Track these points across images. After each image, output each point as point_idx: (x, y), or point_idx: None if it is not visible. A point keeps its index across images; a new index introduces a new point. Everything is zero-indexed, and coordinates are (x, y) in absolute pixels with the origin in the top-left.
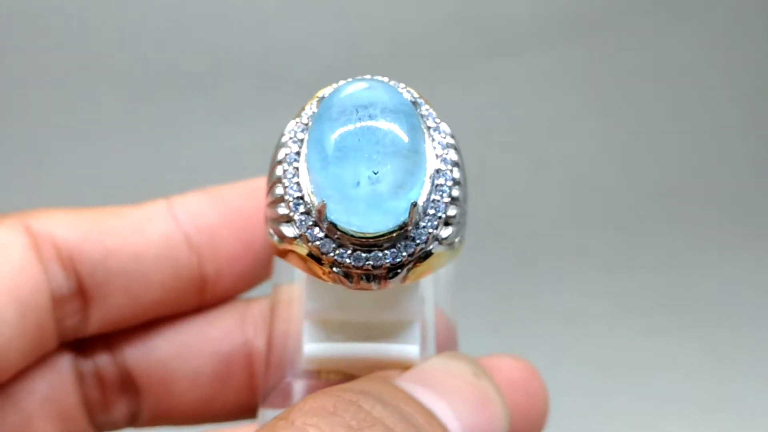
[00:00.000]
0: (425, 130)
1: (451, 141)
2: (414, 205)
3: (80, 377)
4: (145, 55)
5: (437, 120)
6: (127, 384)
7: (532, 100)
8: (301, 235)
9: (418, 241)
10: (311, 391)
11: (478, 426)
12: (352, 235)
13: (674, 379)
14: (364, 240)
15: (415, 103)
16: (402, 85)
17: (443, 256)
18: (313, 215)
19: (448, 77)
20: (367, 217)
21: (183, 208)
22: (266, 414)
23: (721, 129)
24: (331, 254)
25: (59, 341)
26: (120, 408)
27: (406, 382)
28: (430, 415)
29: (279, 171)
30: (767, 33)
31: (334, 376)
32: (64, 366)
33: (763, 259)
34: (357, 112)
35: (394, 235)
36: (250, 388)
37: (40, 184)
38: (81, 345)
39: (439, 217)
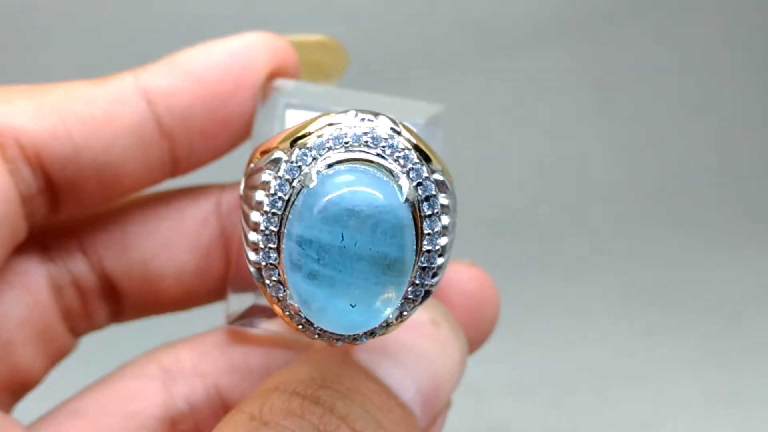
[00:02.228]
0: (419, 220)
1: (444, 202)
2: (388, 318)
3: (58, 291)
4: (145, 55)
5: (433, 190)
6: (108, 290)
7: (532, 100)
8: (271, 297)
9: (390, 326)
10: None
11: (436, 383)
12: (326, 331)
13: (674, 379)
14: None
15: (410, 201)
16: (402, 141)
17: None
18: (285, 296)
19: (449, 77)
20: (344, 328)
21: (153, 85)
22: (231, 300)
23: (721, 129)
24: (299, 326)
25: (28, 233)
26: (101, 313)
27: (364, 353)
28: (387, 395)
29: (255, 217)
30: (767, 33)
31: None
32: (40, 284)
33: (764, 259)
34: (341, 229)
35: (368, 332)
36: (227, 275)
37: None
38: (53, 252)
39: (426, 287)
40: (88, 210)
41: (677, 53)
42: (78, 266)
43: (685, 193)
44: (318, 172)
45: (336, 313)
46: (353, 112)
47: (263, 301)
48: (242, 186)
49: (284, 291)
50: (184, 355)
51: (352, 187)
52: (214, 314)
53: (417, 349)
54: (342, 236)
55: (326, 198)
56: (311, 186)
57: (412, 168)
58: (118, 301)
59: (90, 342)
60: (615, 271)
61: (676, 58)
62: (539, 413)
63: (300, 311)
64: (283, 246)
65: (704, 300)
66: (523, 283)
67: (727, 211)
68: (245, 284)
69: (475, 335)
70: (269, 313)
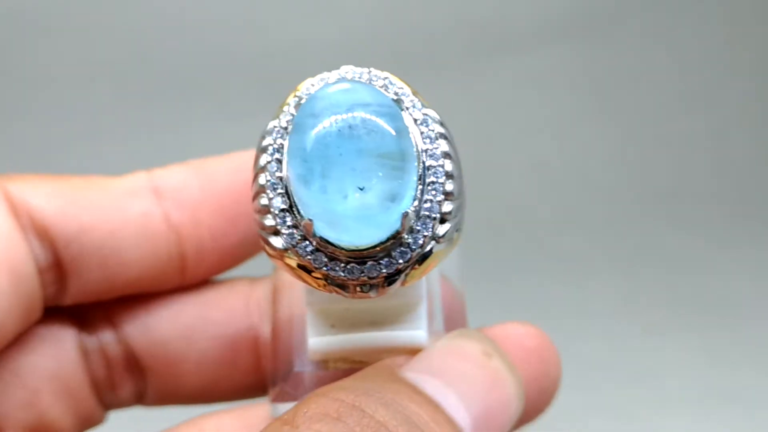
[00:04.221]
0: (411, 125)
1: (441, 130)
2: (405, 214)
3: (85, 354)
4: (145, 55)
5: (425, 111)
6: (132, 364)
7: (532, 100)
8: (290, 249)
9: (414, 246)
10: (319, 380)
11: (488, 411)
12: (344, 249)
13: (674, 379)
14: (357, 252)
15: (398, 101)
16: (383, 74)
17: (441, 253)
18: (301, 229)
19: (449, 77)
20: (358, 232)
21: (165, 182)
22: (277, 408)
23: (721, 129)
24: (324, 268)
25: (43, 311)
26: (126, 387)
27: (412, 372)
28: (436, 410)
29: (262, 179)
30: (767, 33)
31: (342, 364)
32: (69, 342)
33: (764, 259)
34: (336, 119)
35: (388, 244)
36: (257, 370)
37: None
38: (84, 322)
39: (434, 218)
40: (96, 299)
41: (677, 53)
42: (105, 336)
43: (685, 193)
44: (308, 93)
45: (349, 209)
46: (334, 70)
47: (303, 367)
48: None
49: (300, 233)
50: (226, 424)
51: (345, 93)
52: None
53: (467, 374)
54: (343, 129)
55: (320, 101)
56: (303, 101)
57: (396, 93)
58: (142, 376)
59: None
60: (615, 271)
61: (676, 58)
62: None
63: (313, 231)
64: (288, 177)
65: (704, 300)
66: (522, 283)
67: (727, 211)
68: (285, 368)
69: (539, 396)
70: (312, 379)
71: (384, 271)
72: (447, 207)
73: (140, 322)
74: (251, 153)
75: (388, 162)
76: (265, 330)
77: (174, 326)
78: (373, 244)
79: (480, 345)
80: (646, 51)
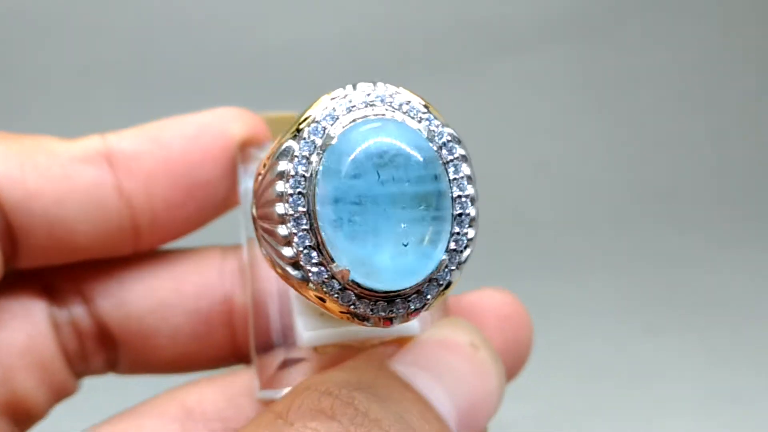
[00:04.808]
0: (445, 163)
1: (462, 152)
2: (443, 261)
3: (57, 327)
4: (145, 55)
5: (441, 130)
6: (105, 336)
7: (532, 100)
8: (316, 285)
9: (442, 282)
10: (310, 369)
11: (474, 404)
12: (377, 291)
13: (674, 379)
14: (388, 293)
15: (430, 138)
16: (394, 90)
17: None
18: (330, 270)
19: (449, 77)
20: (394, 280)
21: (118, 148)
22: (266, 393)
23: (721, 129)
24: (351, 306)
25: (2, 273)
26: (99, 358)
27: (402, 365)
28: (424, 406)
29: (280, 209)
30: (767, 33)
31: (331, 349)
32: (40, 316)
33: (764, 259)
34: (376, 171)
35: (422, 285)
36: (232, 342)
37: None
38: (55, 294)
39: (461, 251)
40: (45, 263)
41: (677, 53)
42: (76, 309)
43: (685, 193)
44: (335, 132)
45: (388, 260)
46: (350, 85)
47: (293, 354)
48: (254, 206)
49: (327, 271)
50: (208, 397)
51: (376, 133)
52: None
53: (455, 368)
54: (378, 175)
55: (352, 147)
56: (332, 143)
57: (422, 119)
58: (113, 349)
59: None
60: (615, 271)
61: (676, 58)
62: (539, 413)
63: (349, 279)
64: (318, 221)
65: (704, 300)
66: (522, 282)
67: (727, 211)
68: (267, 345)
69: (512, 361)
70: (302, 367)
71: (413, 307)
72: (471, 233)
73: (113, 296)
74: (207, 117)
75: (425, 212)
76: (239, 301)
77: (148, 301)
78: (407, 287)
79: (468, 336)
80: (646, 51)
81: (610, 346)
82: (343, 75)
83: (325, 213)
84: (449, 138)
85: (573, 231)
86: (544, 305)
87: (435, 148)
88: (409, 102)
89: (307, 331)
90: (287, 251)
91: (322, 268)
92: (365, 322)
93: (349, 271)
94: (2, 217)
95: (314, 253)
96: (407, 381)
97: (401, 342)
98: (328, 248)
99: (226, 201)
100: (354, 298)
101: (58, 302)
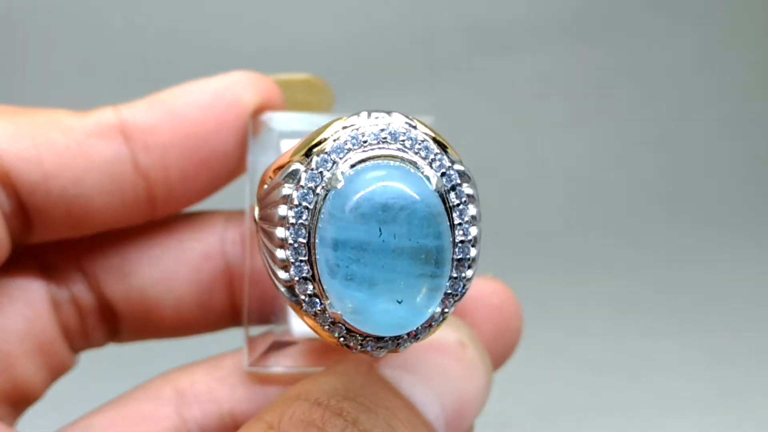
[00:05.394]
0: (448, 211)
1: (470, 192)
2: (433, 315)
3: (57, 307)
4: (145, 54)
5: (457, 179)
6: (106, 311)
7: (532, 100)
8: (307, 313)
9: (434, 324)
10: (298, 350)
11: (462, 404)
12: (370, 334)
13: (674, 379)
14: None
15: (439, 193)
16: (410, 122)
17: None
18: (323, 305)
19: (448, 77)
20: (384, 330)
21: (133, 121)
22: (256, 368)
23: (721, 129)
24: (341, 339)
25: (10, 251)
26: (99, 333)
27: (390, 368)
28: (411, 413)
29: (280, 233)
30: (767, 33)
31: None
32: (39, 298)
33: (763, 259)
34: (378, 226)
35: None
36: (231, 307)
37: None
38: (54, 272)
39: (456, 295)
40: (61, 237)
41: (677, 53)
42: (77, 286)
43: (684, 194)
44: (342, 173)
45: (381, 313)
46: (365, 113)
47: (283, 337)
48: (257, 210)
49: (321, 303)
50: (200, 378)
51: (382, 182)
52: (232, 336)
53: (443, 368)
54: (380, 231)
55: (357, 195)
56: (338, 187)
57: (434, 159)
58: (115, 322)
59: (102, 356)
60: (615, 272)
61: (675, 58)
62: (538, 410)
63: (342, 320)
64: (316, 256)
65: (704, 301)
66: (522, 283)
67: (728, 211)
68: (261, 317)
69: (501, 349)
70: (291, 350)
71: (405, 346)
72: (470, 273)
73: (115, 270)
74: (221, 83)
75: (424, 268)
76: (239, 268)
77: (151, 272)
78: (396, 339)
79: (456, 333)
80: (646, 51)
81: (610, 345)
82: (344, 75)
83: (323, 255)
84: (458, 179)
85: (573, 231)
86: (544, 304)
87: (443, 192)
88: (423, 141)
89: (300, 326)
90: (283, 274)
91: (316, 300)
92: (357, 350)
93: (341, 315)
94: (15, 198)
95: (310, 285)
96: (395, 386)
97: None
98: (325, 291)
99: (237, 169)
100: (345, 331)
101: (57, 281)
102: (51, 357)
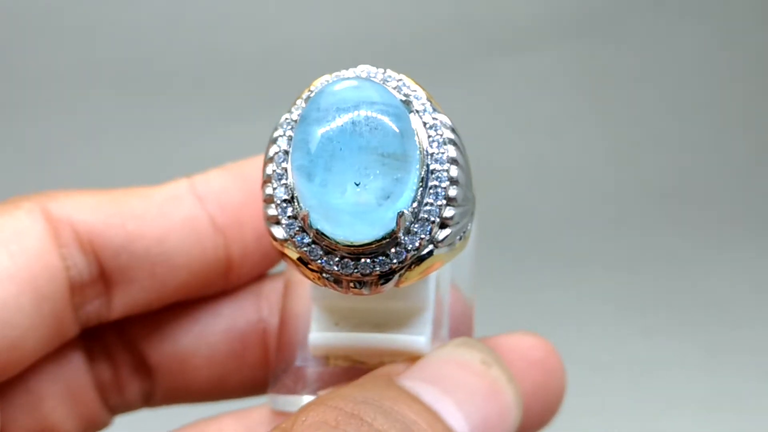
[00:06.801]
0: (419, 129)
1: (450, 136)
2: (401, 214)
3: (90, 355)
4: (145, 54)
5: (435, 116)
6: (140, 364)
7: (532, 100)
8: (289, 239)
9: (409, 248)
10: (319, 377)
11: (487, 420)
12: (338, 243)
13: (674, 379)
14: (352, 248)
15: (407, 102)
16: (398, 76)
17: (442, 257)
18: (299, 221)
19: (448, 77)
20: (353, 227)
21: (206, 187)
22: (277, 399)
23: (721, 129)
24: (319, 261)
25: (80, 328)
26: (133, 388)
27: (410, 380)
28: (434, 418)
29: (269, 170)
30: (767, 33)
31: (342, 362)
32: (73, 344)
33: (763, 259)
34: (341, 115)
35: (383, 243)
36: (265, 365)
37: (40, 184)
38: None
39: (433, 221)
40: (142, 310)
41: (677, 53)
42: (109, 337)
43: (684, 193)
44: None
45: (340, 198)
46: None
47: (306, 363)
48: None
49: (298, 223)
50: (228, 427)
51: (353, 88)
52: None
53: (465, 383)
54: (340, 113)
55: (325, 95)
56: (312, 96)
57: (412, 93)
58: (149, 376)
59: (135, 418)
60: (615, 272)
61: (675, 58)
62: None
63: (310, 222)
64: (290, 168)
65: (704, 300)
66: (522, 283)
67: (728, 211)
68: (288, 362)
69: (542, 409)
70: (312, 376)
71: (378, 269)
72: (449, 212)
73: (147, 320)
74: None
75: (388, 161)
76: (275, 323)
77: (183, 321)
78: (367, 241)
79: (479, 354)
80: (646, 51)
81: (609, 346)
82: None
83: (295, 159)
84: (437, 120)
85: (573, 231)
86: (543, 304)
87: (417, 122)
88: (405, 81)
89: (318, 332)
90: (271, 210)
91: (294, 221)
92: (338, 286)
93: (308, 212)
94: (98, 266)
95: (289, 207)
96: (415, 395)
97: (411, 360)
98: (298, 197)
99: None
100: (321, 252)
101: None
102: (83, 406)
